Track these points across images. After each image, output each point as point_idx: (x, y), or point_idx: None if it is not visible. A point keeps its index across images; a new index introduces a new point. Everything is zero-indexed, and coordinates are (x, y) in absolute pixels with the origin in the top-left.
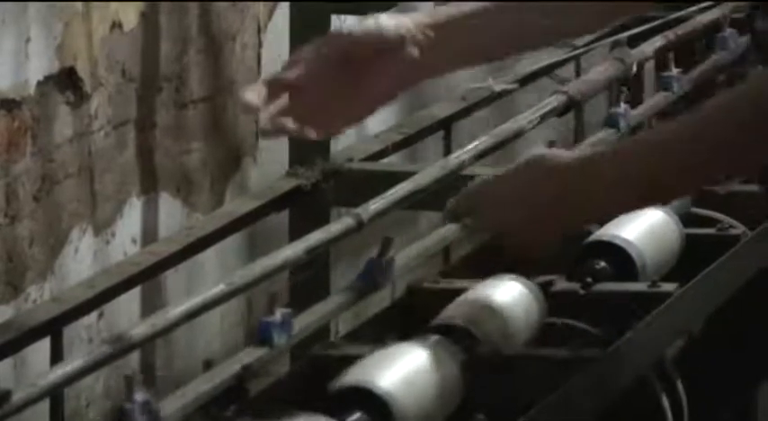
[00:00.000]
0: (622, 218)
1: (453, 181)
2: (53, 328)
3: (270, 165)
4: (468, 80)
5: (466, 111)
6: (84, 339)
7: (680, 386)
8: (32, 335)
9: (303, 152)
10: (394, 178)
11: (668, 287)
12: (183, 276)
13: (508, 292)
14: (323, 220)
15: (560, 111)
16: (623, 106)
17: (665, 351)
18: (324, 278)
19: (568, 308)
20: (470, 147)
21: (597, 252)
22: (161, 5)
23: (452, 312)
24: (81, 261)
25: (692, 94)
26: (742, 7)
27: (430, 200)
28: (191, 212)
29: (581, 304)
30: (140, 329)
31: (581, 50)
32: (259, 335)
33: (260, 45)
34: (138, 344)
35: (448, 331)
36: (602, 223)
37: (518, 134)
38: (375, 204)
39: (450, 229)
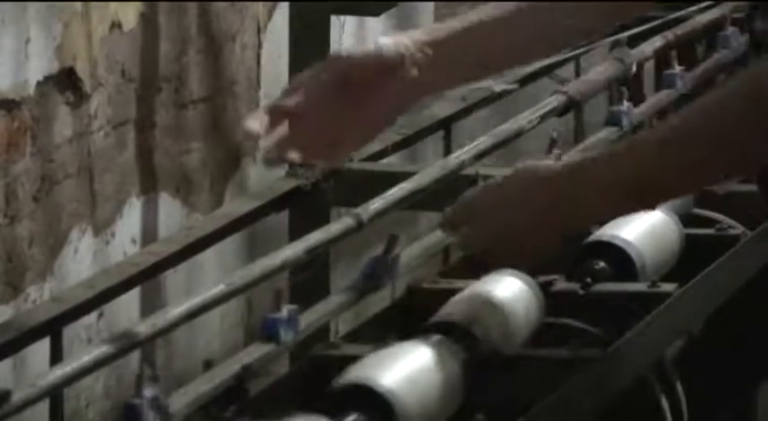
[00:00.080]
0: (622, 218)
1: (453, 181)
2: (53, 328)
3: None
4: None
5: (466, 111)
6: (83, 339)
7: (679, 386)
8: (32, 335)
9: None
10: (394, 178)
11: (668, 287)
12: (183, 276)
13: (507, 289)
14: (323, 220)
15: (560, 112)
16: (626, 104)
17: (664, 351)
18: (324, 278)
19: (568, 308)
20: (470, 147)
21: (597, 252)
22: (160, 5)
23: (452, 309)
24: (81, 261)
25: (695, 91)
26: (743, 7)
27: (430, 200)
28: (190, 212)
29: (581, 304)
30: (140, 329)
31: (581, 50)
32: (265, 331)
33: (259, 45)
34: (138, 345)
35: (448, 330)
36: (601, 223)
37: (518, 134)
38: (375, 204)
39: None
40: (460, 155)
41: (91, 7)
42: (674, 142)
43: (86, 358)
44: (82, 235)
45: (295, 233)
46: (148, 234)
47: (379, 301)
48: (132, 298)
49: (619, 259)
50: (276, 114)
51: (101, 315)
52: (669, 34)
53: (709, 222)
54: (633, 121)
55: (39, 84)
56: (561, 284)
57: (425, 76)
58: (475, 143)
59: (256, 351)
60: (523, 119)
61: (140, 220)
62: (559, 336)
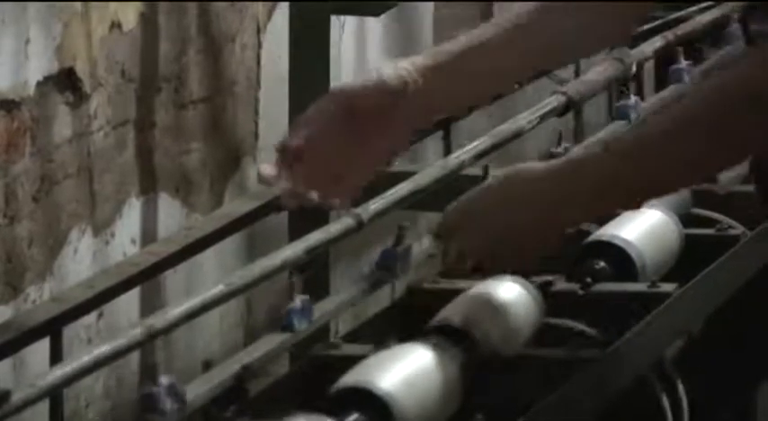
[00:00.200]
0: (622, 218)
1: (453, 181)
2: (52, 329)
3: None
4: None
5: (466, 112)
6: (83, 339)
7: (680, 386)
8: (32, 335)
9: None
10: (394, 178)
11: (668, 287)
12: (183, 277)
13: (507, 292)
14: (322, 220)
15: (560, 112)
16: (633, 98)
17: (664, 351)
18: (324, 278)
19: (568, 308)
20: (470, 147)
21: (597, 252)
22: (160, 5)
23: (451, 312)
24: (80, 261)
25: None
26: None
27: (430, 200)
28: (190, 213)
29: (580, 304)
30: (140, 330)
31: None
32: (281, 321)
33: (259, 45)
34: (138, 345)
35: (447, 332)
36: (601, 223)
37: (517, 134)
38: (375, 204)
39: None
40: (460, 155)
41: (91, 7)
42: (663, 138)
43: (86, 358)
44: (81, 235)
45: (295, 233)
46: (148, 234)
47: (379, 301)
48: (132, 298)
49: (619, 259)
50: (286, 154)
51: (100, 315)
52: (669, 34)
53: (709, 222)
54: (641, 116)
55: (38, 84)
56: (561, 284)
57: (430, 100)
58: (475, 143)
59: (266, 344)
60: (523, 119)
61: (140, 221)
62: (559, 337)
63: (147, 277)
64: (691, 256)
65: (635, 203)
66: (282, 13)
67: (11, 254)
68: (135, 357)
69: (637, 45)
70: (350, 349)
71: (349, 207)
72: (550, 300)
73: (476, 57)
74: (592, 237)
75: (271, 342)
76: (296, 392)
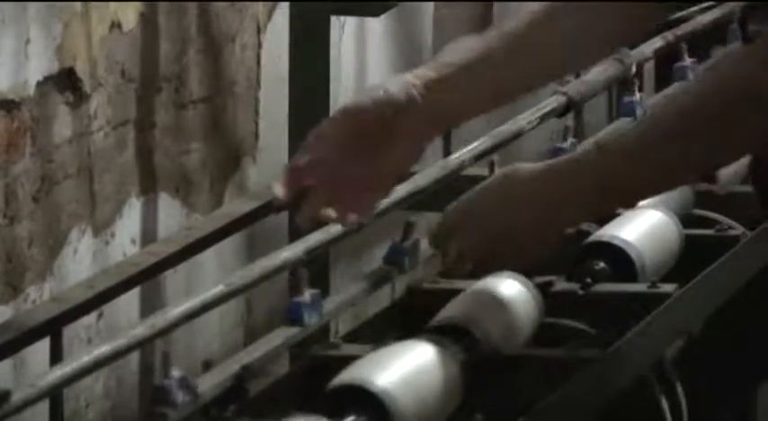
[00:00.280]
0: (622, 218)
1: (453, 181)
2: (52, 329)
3: (269, 165)
4: None
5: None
6: (83, 340)
7: (679, 387)
8: (32, 335)
9: None
10: None
11: (667, 288)
12: (183, 277)
13: (507, 291)
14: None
15: (560, 112)
16: (638, 95)
17: (664, 351)
18: (324, 278)
19: (568, 308)
20: (470, 147)
21: (596, 252)
22: (160, 5)
23: (451, 311)
24: (80, 261)
25: None
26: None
27: (430, 200)
28: (190, 213)
29: (580, 304)
30: (140, 330)
31: None
32: (289, 314)
33: (259, 45)
34: (138, 345)
35: (447, 331)
36: (601, 224)
37: (518, 134)
38: None
39: None
40: (460, 155)
41: (91, 7)
42: (662, 136)
43: (86, 358)
44: (81, 235)
45: (295, 233)
46: (148, 234)
47: (379, 301)
48: (132, 298)
49: (618, 259)
50: (297, 174)
51: (100, 315)
52: (669, 34)
53: (709, 223)
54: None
55: (38, 84)
56: (561, 285)
57: (437, 112)
58: (475, 143)
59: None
60: (523, 119)
61: (140, 221)
62: (559, 337)
63: (147, 277)
64: (691, 257)
65: (633, 202)
66: (282, 13)
67: (11, 254)
68: (135, 357)
69: (637, 45)
70: (350, 349)
71: (372, 220)
72: (550, 301)
73: (481, 68)
74: (592, 238)
75: (277, 337)
76: (296, 392)
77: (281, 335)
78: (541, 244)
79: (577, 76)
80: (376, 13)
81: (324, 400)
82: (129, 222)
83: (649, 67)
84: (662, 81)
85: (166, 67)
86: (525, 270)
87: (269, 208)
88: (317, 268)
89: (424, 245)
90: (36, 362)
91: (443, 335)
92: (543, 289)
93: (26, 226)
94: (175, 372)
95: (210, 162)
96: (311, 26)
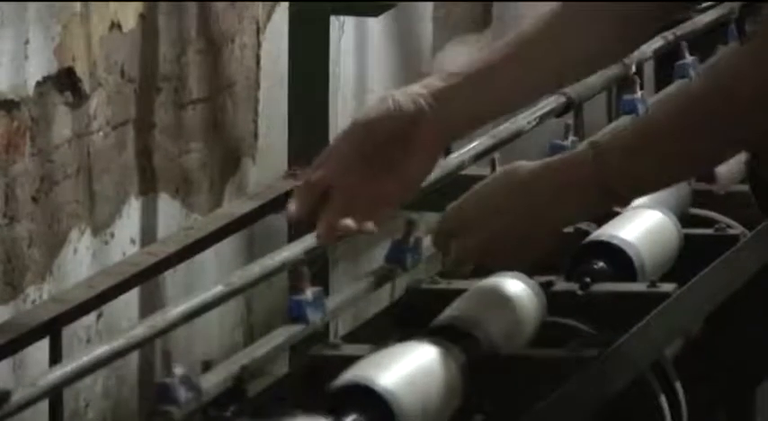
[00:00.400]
0: (621, 218)
1: (453, 181)
2: (52, 329)
3: (269, 165)
4: None
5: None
6: (82, 339)
7: (678, 386)
8: (31, 335)
9: (302, 153)
10: None
11: (667, 287)
12: (182, 277)
13: (508, 290)
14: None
15: (559, 112)
16: (640, 93)
17: (663, 351)
18: (323, 278)
19: (567, 308)
20: (470, 147)
21: (596, 252)
22: (160, 6)
23: (452, 312)
24: (80, 261)
25: None
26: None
27: (430, 200)
28: (189, 213)
29: (579, 304)
30: (139, 330)
31: None
32: (290, 312)
33: (259, 46)
34: (138, 345)
35: (448, 330)
36: (600, 223)
37: (517, 134)
38: None
39: None
40: (460, 155)
41: (90, 8)
42: (647, 140)
43: (86, 358)
44: (81, 235)
45: (294, 233)
46: (148, 234)
47: (379, 301)
48: (131, 298)
49: (618, 259)
50: (311, 189)
51: (100, 315)
52: (669, 34)
53: (708, 222)
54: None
55: (38, 84)
56: (560, 284)
57: (447, 122)
58: (474, 143)
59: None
60: (523, 119)
61: (139, 221)
62: (559, 337)
63: (146, 277)
64: (690, 256)
65: (630, 199)
66: (282, 13)
67: (10, 254)
68: (134, 357)
69: None
70: (349, 349)
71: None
72: (549, 300)
73: (488, 77)
74: (591, 238)
75: (278, 336)
76: (295, 392)
77: (282, 334)
78: (540, 242)
79: None
80: (375, 14)
81: (324, 400)
82: (129, 222)
83: (649, 65)
84: (663, 79)
85: (166, 67)
86: (525, 270)
87: (268, 208)
88: (316, 268)
89: (426, 243)
90: (35, 362)
91: (445, 336)
92: (542, 289)
93: (26, 226)
94: (178, 370)
95: (210, 162)
96: (311, 26)
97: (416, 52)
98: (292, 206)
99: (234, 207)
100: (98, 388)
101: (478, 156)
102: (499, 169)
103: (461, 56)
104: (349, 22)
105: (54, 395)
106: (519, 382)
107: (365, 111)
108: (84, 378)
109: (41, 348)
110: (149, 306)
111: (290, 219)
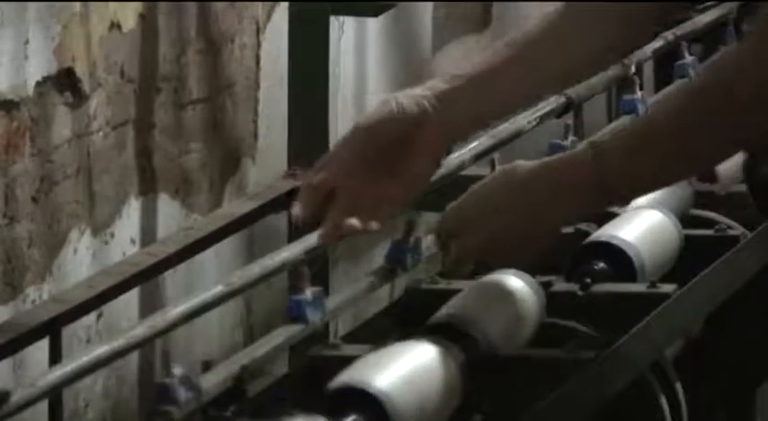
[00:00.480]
0: (621, 218)
1: (453, 181)
2: (52, 329)
3: (268, 166)
4: None
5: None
6: (82, 340)
7: (678, 387)
8: (31, 335)
9: (302, 153)
10: None
11: (667, 288)
12: (182, 277)
13: (507, 289)
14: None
15: (559, 112)
16: (639, 93)
17: (663, 352)
18: (323, 279)
19: (567, 308)
20: (470, 147)
21: (596, 253)
22: (159, 6)
23: (450, 310)
24: (80, 262)
25: None
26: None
27: (430, 200)
28: (189, 213)
29: (579, 305)
30: (139, 330)
31: None
32: (290, 312)
33: (258, 46)
34: (137, 345)
35: (446, 330)
36: (600, 224)
37: (517, 134)
38: None
39: None
40: (460, 155)
41: (90, 8)
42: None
43: (85, 358)
44: (81, 235)
45: (294, 233)
46: (147, 234)
47: (378, 302)
48: (131, 298)
49: (618, 260)
50: (315, 192)
51: (100, 315)
52: (668, 34)
53: (708, 223)
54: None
55: (38, 84)
56: (560, 285)
57: (450, 124)
58: (475, 143)
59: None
60: (523, 119)
61: (139, 221)
62: (559, 337)
63: (146, 277)
64: (690, 257)
65: (629, 199)
66: (281, 13)
67: (10, 254)
68: (134, 357)
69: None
70: (349, 350)
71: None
72: (549, 301)
73: (491, 79)
74: (591, 238)
75: (278, 336)
76: (295, 393)
77: (282, 334)
78: (539, 242)
79: None
80: (375, 14)
81: (323, 401)
82: (129, 222)
83: (649, 65)
84: (662, 79)
85: (166, 67)
86: (525, 270)
87: (268, 208)
88: (316, 268)
89: (426, 243)
90: (35, 362)
91: (442, 336)
92: (542, 287)
93: (25, 226)
94: (177, 370)
95: (210, 162)
96: (310, 26)
97: (416, 52)
98: (297, 208)
99: (234, 207)
100: (98, 388)
101: (478, 157)
102: (498, 169)
103: (461, 56)
104: (349, 22)
105: (54, 395)
106: (518, 382)
107: (367, 114)
108: (83, 378)
109: (41, 348)
110: (149, 306)
111: (295, 221)
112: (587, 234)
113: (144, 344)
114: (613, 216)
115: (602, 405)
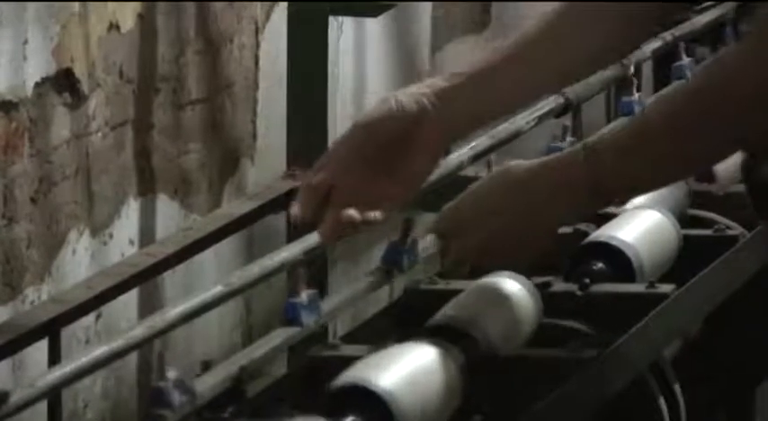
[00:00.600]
0: (620, 219)
1: (453, 181)
2: (51, 329)
3: (267, 166)
4: None
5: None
6: (81, 340)
7: (677, 387)
8: (30, 336)
9: (301, 153)
10: None
11: (666, 288)
12: (181, 277)
13: (505, 290)
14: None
15: (558, 112)
16: (636, 94)
17: (662, 352)
18: (322, 278)
19: (566, 309)
20: (469, 147)
21: (595, 253)
22: (158, 6)
23: (450, 311)
24: (79, 262)
25: None
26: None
27: (428, 200)
28: (188, 214)
29: (578, 305)
30: (138, 330)
31: None
32: (285, 314)
33: (257, 46)
34: (136, 346)
35: (446, 331)
36: (599, 224)
37: (516, 134)
38: None
39: None
40: (459, 155)
41: (89, 8)
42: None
43: (84, 359)
44: (80, 236)
45: (293, 234)
46: (146, 235)
47: (377, 302)
48: (130, 299)
49: (617, 260)
50: (314, 192)
51: (99, 316)
52: (667, 35)
53: (707, 223)
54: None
55: (36, 85)
56: (559, 285)
57: (450, 122)
58: (474, 143)
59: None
60: (521, 119)
61: (138, 222)
62: (558, 337)
63: (145, 278)
64: (689, 257)
65: (625, 199)
66: (280, 13)
67: (9, 255)
68: (134, 358)
69: None
70: (348, 350)
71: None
72: (548, 301)
73: (491, 77)
74: (590, 238)
75: (276, 338)
76: (294, 393)
77: (281, 335)
78: (538, 241)
79: None
80: (374, 14)
81: (323, 401)
82: (128, 223)
83: (647, 66)
84: (661, 80)
85: (164, 67)
86: (523, 270)
87: (267, 208)
88: (315, 268)
89: (423, 243)
90: (34, 362)
91: (443, 337)
92: (541, 289)
93: (24, 227)
94: (171, 374)
95: (209, 163)
96: (309, 26)
97: (415, 52)
98: (296, 208)
99: (233, 207)
100: (97, 388)
101: (477, 157)
102: (495, 169)
103: (460, 56)
104: (348, 22)
105: (53, 396)
106: (518, 383)
107: (366, 113)
108: (82, 379)
109: (40, 349)
110: (148, 307)
111: (294, 221)
112: (586, 234)
113: (143, 345)
114: (612, 216)
115: (601, 405)
